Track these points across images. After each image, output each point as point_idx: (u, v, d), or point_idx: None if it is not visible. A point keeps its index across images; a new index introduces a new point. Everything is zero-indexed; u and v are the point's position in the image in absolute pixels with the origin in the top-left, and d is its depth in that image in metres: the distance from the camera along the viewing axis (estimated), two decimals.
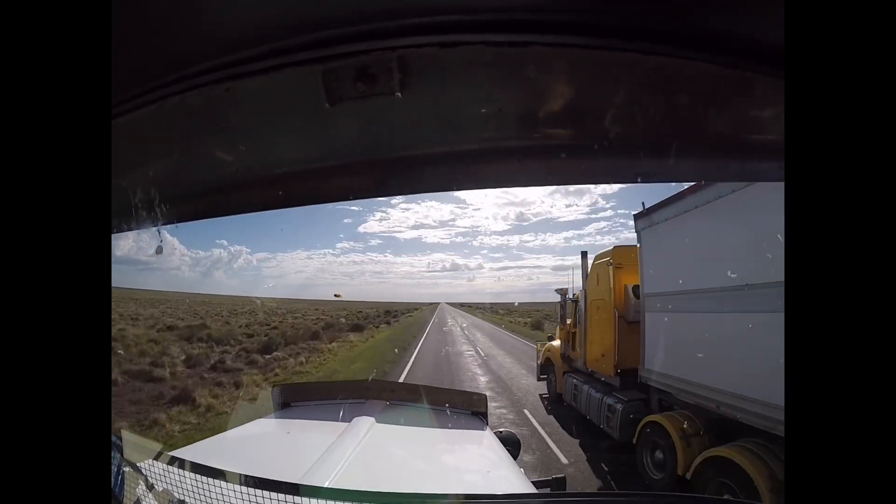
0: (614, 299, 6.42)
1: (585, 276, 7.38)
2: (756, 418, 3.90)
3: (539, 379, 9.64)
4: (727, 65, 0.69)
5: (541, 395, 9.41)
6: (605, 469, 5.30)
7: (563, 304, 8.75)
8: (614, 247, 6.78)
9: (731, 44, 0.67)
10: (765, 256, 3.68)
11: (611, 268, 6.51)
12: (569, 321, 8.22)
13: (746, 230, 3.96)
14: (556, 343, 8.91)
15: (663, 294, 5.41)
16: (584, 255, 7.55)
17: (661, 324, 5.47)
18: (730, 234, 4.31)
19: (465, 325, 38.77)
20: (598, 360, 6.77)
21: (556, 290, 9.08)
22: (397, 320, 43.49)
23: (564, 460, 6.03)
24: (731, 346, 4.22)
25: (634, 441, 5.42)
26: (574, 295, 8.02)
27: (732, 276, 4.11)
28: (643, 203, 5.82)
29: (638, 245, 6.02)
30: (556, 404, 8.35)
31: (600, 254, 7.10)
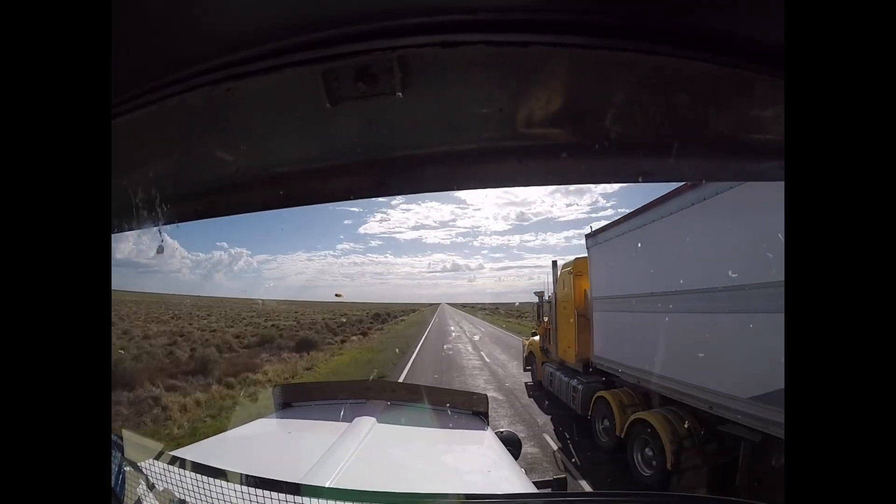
0: (575, 301, 7.82)
1: (555, 281, 8.77)
2: (665, 390, 5.20)
3: (525, 370, 11.02)
4: (727, 65, 0.69)
5: (526, 384, 10.48)
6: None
7: (539, 304, 10.13)
8: (575, 258, 8.17)
9: (731, 44, 0.67)
10: (676, 271, 4.92)
11: (571, 276, 7.98)
12: (545, 319, 9.49)
13: (664, 252, 5.32)
14: (538, 338, 10.16)
15: (605, 297, 6.89)
16: (554, 263, 8.98)
17: (604, 320, 6.90)
18: (651, 254, 5.62)
19: (476, 337, 25.29)
20: (565, 350, 8.17)
21: (534, 293, 10.52)
22: (381, 328, 32.05)
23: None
24: (650, 337, 5.57)
25: (589, 413, 6.71)
26: (548, 297, 9.34)
27: (651, 285, 5.51)
28: (591, 226, 7.56)
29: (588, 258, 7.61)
30: (537, 390, 9.75)
31: (565, 263, 8.55)
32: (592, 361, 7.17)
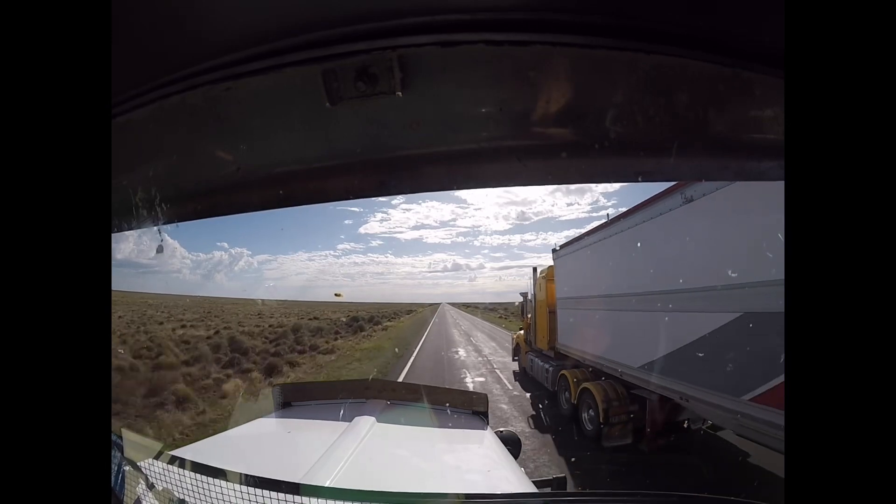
0: (547, 301, 9.87)
1: (535, 284, 10.85)
2: (599, 365, 7.11)
3: (513, 360, 13.24)
4: (727, 65, 0.69)
5: (514, 371, 12.70)
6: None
7: (523, 303, 12.29)
8: (549, 266, 10.25)
9: (731, 44, 0.67)
10: (603, 280, 6.97)
11: (545, 280, 10.08)
12: (528, 316, 11.49)
13: (597, 266, 7.36)
14: (523, 332, 12.27)
15: (564, 298, 9.04)
16: (534, 270, 11.05)
17: (563, 316, 9.05)
18: (589, 267, 7.76)
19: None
20: (541, 340, 10.19)
21: (520, 294, 12.63)
22: (331, 351, 18.52)
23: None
24: (588, 327, 7.60)
25: (556, 388, 8.56)
26: (530, 297, 11.45)
27: (588, 290, 7.62)
28: (556, 244, 9.86)
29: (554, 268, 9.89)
30: (522, 375, 11.94)
31: (542, 270, 10.62)
32: (556, 348, 9.35)
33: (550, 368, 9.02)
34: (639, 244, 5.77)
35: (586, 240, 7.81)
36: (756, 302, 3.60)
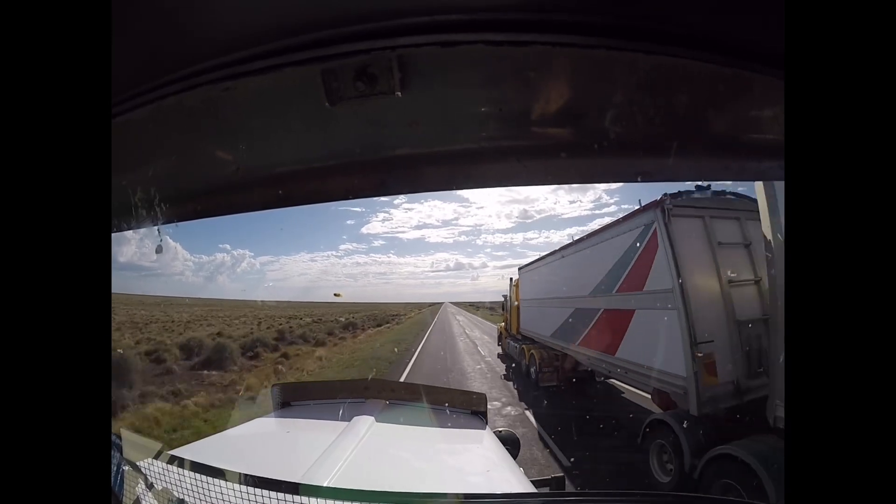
0: (517, 300, 14.12)
1: (510, 289, 15.35)
2: (538, 339, 11.24)
3: (498, 345, 17.60)
4: (727, 65, 0.69)
5: (498, 354, 16.83)
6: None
7: (504, 303, 16.71)
8: (519, 277, 14.91)
9: (731, 44, 0.67)
10: (539, 289, 11.66)
11: (516, 287, 14.46)
12: (506, 312, 16.00)
13: (536, 282, 12.15)
14: (503, 324, 16.74)
15: (524, 300, 13.36)
16: (510, 279, 15.62)
17: (524, 311, 13.28)
18: (533, 282, 12.44)
19: None
20: (513, 327, 14.39)
21: (502, 296, 17.27)
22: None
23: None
24: (535, 317, 11.80)
25: (520, 358, 12.34)
26: (508, 298, 15.97)
27: (545, 294, 11.01)
28: (517, 270, 14.70)
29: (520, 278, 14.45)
30: (502, 356, 16.36)
31: (514, 279, 15.01)
32: (519, 332, 13.47)
33: (517, 346, 13.27)
34: (545, 273, 10.93)
35: (530, 266, 13.00)
36: (579, 304, 8.17)
